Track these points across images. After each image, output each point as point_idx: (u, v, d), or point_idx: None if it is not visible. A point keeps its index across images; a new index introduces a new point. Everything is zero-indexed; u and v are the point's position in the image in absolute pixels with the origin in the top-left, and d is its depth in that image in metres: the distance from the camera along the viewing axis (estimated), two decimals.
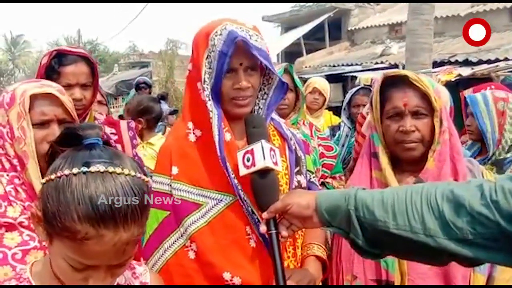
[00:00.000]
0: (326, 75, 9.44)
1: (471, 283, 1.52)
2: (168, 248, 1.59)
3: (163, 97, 3.99)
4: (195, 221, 1.56)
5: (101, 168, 0.96)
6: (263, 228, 1.40)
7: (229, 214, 1.57)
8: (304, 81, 4.89)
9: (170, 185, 1.60)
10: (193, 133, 1.63)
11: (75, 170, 0.95)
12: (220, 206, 1.57)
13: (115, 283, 1.17)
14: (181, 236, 1.58)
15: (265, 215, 1.39)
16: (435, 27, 9.03)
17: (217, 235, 1.56)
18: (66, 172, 0.96)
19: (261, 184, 1.44)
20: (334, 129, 4.45)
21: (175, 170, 1.61)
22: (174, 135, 1.72)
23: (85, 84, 2.18)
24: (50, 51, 2.22)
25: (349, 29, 16.86)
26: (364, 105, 3.94)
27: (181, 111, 1.76)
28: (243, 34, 1.52)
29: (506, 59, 8.89)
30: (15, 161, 1.54)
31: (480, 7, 12.67)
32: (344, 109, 4.14)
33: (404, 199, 1.19)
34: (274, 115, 1.79)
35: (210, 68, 1.56)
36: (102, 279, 1.01)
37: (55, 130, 1.56)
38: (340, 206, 1.26)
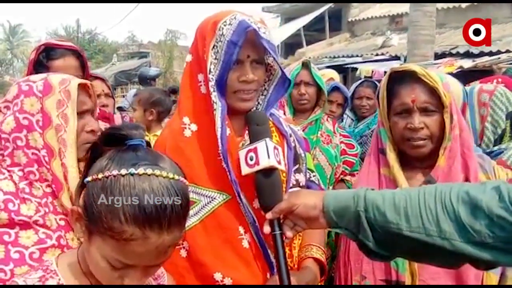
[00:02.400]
0: (326, 67, 9.38)
1: (484, 283, 1.49)
2: None
3: (174, 91, 4.01)
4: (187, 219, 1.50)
5: (148, 170, 0.98)
6: (267, 229, 1.35)
7: (222, 213, 1.52)
8: None
9: None
10: (189, 128, 1.56)
11: (123, 171, 0.97)
12: (213, 204, 1.52)
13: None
14: None
15: (269, 215, 1.34)
16: (436, 19, 8.98)
17: (210, 234, 1.51)
18: (114, 172, 0.98)
19: (266, 184, 1.39)
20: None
21: None
22: (169, 129, 1.66)
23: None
24: (38, 46, 2.19)
25: (349, 20, 16.81)
26: (367, 97, 3.94)
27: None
28: (253, 25, 1.47)
29: (507, 51, 8.85)
30: (43, 152, 1.43)
31: None
32: None
33: (417, 200, 1.15)
34: (274, 110, 1.73)
35: (216, 58, 1.50)
36: (138, 278, 1.03)
37: (91, 121, 1.54)
38: (349, 207, 1.22)
